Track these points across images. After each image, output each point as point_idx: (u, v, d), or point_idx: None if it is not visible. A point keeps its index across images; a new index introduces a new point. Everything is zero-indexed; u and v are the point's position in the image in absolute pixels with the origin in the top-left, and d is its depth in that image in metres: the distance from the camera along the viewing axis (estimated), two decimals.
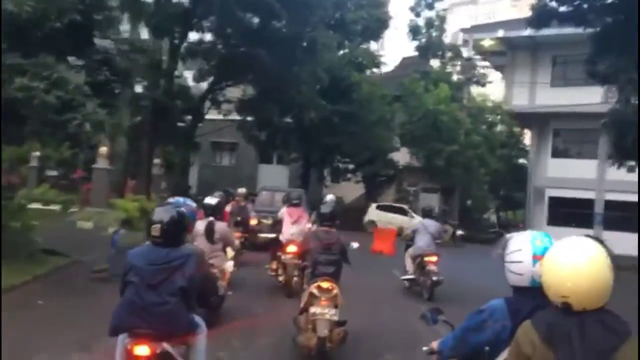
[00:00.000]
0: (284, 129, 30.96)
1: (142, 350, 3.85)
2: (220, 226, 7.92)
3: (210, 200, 8.38)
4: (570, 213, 31.41)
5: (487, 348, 2.91)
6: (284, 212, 10.86)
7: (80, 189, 20.50)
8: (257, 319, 8.71)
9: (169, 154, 27.19)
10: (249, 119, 31.42)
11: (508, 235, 3.06)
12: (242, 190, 14.57)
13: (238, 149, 41.41)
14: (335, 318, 6.35)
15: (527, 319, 2.46)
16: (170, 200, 6.53)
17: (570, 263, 2.31)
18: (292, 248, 10.04)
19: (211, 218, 7.92)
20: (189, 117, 27.25)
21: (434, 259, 11.02)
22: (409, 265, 11.56)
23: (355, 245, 8.15)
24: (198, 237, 7.44)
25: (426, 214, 12.36)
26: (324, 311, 6.28)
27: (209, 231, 7.52)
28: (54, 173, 26.28)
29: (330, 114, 29.43)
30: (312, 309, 6.35)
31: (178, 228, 4.03)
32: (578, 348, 2.23)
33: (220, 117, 32.12)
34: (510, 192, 37.92)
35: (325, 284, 6.46)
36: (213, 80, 26.07)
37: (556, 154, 33.77)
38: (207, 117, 37.76)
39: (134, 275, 3.91)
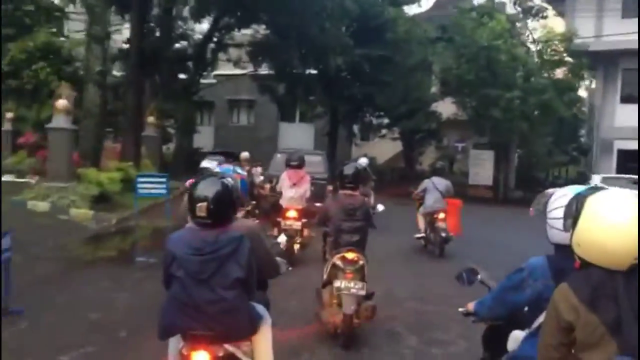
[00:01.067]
0: (306, 78, 25.27)
1: (201, 357, 3.15)
2: None
3: (208, 163, 6.50)
4: None
5: (526, 308, 2.75)
6: (284, 175, 9.82)
7: (35, 158, 15.05)
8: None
9: (169, 111, 21.59)
10: (263, 72, 25.75)
11: (549, 191, 2.81)
12: (245, 155, 13.18)
13: (256, 106, 36.42)
14: (363, 292, 5.68)
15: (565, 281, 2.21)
16: (217, 168, 5.49)
17: (635, 221, 2.05)
18: (292, 213, 9.33)
19: None
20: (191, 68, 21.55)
21: (442, 216, 10.88)
22: (421, 223, 11.34)
23: (380, 208, 8.12)
24: None
25: (435, 171, 12.17)
26: (349, 285, 5.64)
27: None
28: None
29: (360, 59, 23.68)
30: (337, 283, 5.69)
31: (228, 205, 3.21)
32: (627, 310, 2.03)
33: (236, 71, 26.73)
34: (563, 145, 31.61)
35: (350, 255, 5.81)
36: (215, 17, 20.25)
37: (627, 99, 27.49)
38: (222, 72, 32.95)
39: (178, 268, 3.09)
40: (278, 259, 3.98)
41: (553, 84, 23.14)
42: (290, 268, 4.43)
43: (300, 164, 9.72)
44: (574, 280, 2.15)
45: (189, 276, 3.08)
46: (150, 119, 19.16)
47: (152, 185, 13.27)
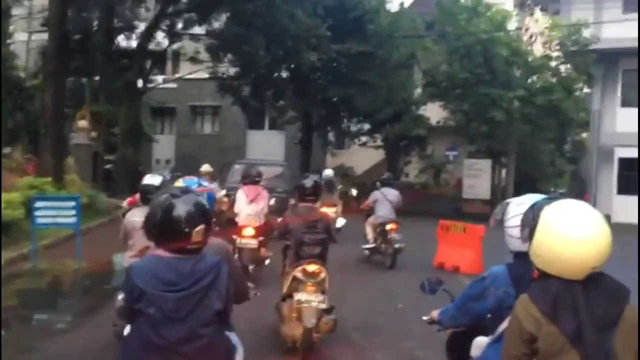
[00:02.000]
0: (276, 78, 21.32)
1: None
2: None
3: (152, 179, 5.66)
4: None
5: (489, 316, 2.77)
6: (240, 191, 9.00)
7: None
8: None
9: (109, 115, 17.33)
10: (227, 72, 21.69)
11: (507, 200, 2.88)
12: (206, 168, 11.50)
13: (222, 113, 32.35)
14: (323, 306, 5.46)
15: (528, 287, 2.22)
16: (181, 182, 4.67)
17: (592, 232, 2.06)
18: (248, 231, 8.50)
19: None
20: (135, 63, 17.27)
21: (394, 226, 10.50)
22: (370, 234, 10.89)
23: (340, 222, 7.85)
24: (135, 232, 5.16)
25: (385, 182, 11.22)
26: (310, 298, 5.39)
27: None
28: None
29: (337, 55, 19.87)
30: (297, 296, 5.44)
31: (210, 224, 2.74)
32: (586, 320, 2.03)
33: (199, 75, 23.10)
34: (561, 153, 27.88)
35: (311, 267, 5.53)
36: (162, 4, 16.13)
37: (628, 102, 24.19)
38: (184, 75, 29.17)
39: (148, 305, 2.50)
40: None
41: (560, 82, 19.52)
42: (257, 293, 3.92)
43: (258, 180, 9.13)
44: (533, 291, 2.13)
45: (161, 314, 2.49)
46: (82, 124, 14.92)
47: (55, 212, 9.11)
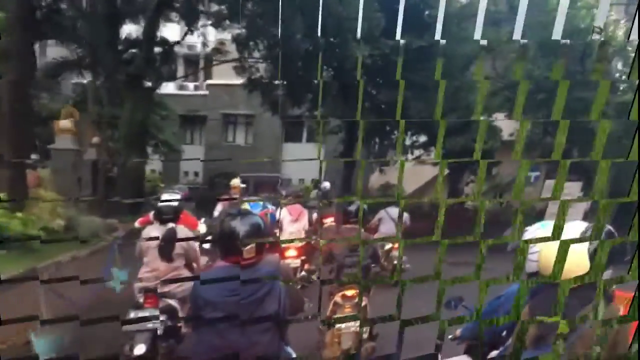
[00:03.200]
0: (315, 79, 17.31)
1: None
2: (182, 235, 4.95)
3: (170, 197, 5.33)
4: None
5: (504, 333, 2.86)
6: (285, 210, 8.82)
7: None
8: None
9: (108, 116, 13.46)
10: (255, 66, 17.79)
11: (525, 228, 2.96)
12: (237, 182, 9.83)
13: (256, 122, 28.44)
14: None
15: None
16: (247, 204, 5.06)
17: (547, 243, 2.27)
18: (291, 252, 8.13)
19: (170, 224, 5.01)
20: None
21: (397, 245, 9.87)
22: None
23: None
24: (150, 250, 4.76)
25: (391, 202, 10.16)
26: (349, 323, 5.07)
27: (167, 243, 4.79)
28: None
29: (391, 50, 15.66)
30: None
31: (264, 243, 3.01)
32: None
33: (232, 81, 19.62)
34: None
35: (351, 292, 5.25)
36: None
37: None
38: (215, 81, 25.77)
39: (211, 311, 2.68)
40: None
41: None
42: (312, 304, 3.68)
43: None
44: (532, 300, 2.27)
45: (224, 319, 2.68)
46: (63, 124, 11.05)
47: None
